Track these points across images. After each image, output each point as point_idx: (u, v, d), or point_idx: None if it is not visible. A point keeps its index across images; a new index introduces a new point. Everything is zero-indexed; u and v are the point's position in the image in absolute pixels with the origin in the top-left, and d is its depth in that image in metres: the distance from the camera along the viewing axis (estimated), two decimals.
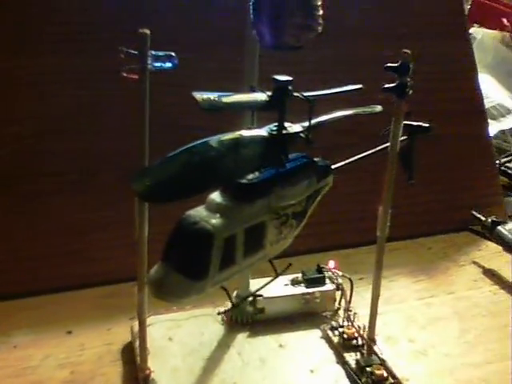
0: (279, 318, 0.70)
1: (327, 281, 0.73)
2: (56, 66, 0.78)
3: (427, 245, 0.94)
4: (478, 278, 0.85)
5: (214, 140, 0.48)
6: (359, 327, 0.67)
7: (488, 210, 0.95)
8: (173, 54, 0.50)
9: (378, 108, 0.63)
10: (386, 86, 0.58)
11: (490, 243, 0.93)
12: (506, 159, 1.10)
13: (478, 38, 1.25)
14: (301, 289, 0.72)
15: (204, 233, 0.47)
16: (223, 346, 0.67)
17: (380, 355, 0.63)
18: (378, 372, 0.61)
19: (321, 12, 0.51)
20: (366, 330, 0.66)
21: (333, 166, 0.60)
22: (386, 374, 0.61)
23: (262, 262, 0.55)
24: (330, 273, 0.74)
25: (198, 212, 0.49)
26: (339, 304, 0.73)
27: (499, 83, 1.13)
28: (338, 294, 0.73)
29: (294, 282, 0.72)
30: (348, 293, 0.72)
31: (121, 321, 0.71)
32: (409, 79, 0.57)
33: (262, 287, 0.62)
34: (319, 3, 0.51)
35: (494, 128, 1.06)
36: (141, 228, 0.54)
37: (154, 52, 0.49)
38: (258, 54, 0.60)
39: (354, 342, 0.66)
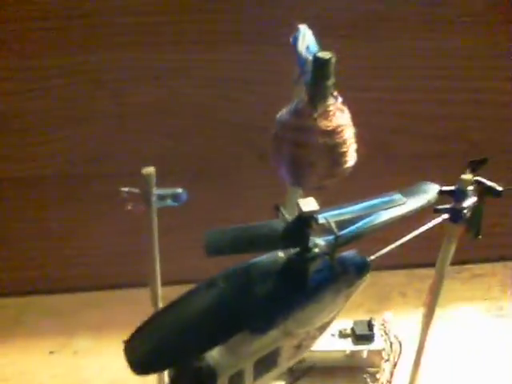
0: (319, 369, 0.69)
1: (376, 336, 0.70)
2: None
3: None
4: None
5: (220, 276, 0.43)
6: None
7: None
8: (179, 190, 0.46)
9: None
10: (439, 207, 0.50)
11: None
12: None
13: None
14: (347, 344, 0.69)
15: (205, 371, 0.41)
16: None
17: None
18: None
19: (352, 154, 0.44)
20: None
21: (372, 257, 0.51)
22: None
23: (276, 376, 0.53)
24: (381, 325, 0.71)
25: None
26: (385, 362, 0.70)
27: None
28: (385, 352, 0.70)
29: (342, 335, 0.70)
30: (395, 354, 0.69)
31: None
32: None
33: None
34: (349, 149, 0.44)
35: None
36: None
37: (158, 192, 0.45)
38: None
39: None
